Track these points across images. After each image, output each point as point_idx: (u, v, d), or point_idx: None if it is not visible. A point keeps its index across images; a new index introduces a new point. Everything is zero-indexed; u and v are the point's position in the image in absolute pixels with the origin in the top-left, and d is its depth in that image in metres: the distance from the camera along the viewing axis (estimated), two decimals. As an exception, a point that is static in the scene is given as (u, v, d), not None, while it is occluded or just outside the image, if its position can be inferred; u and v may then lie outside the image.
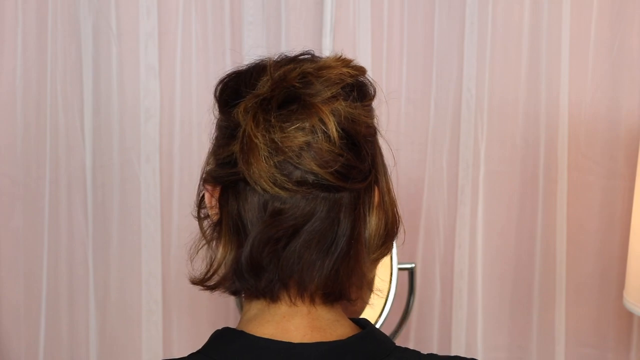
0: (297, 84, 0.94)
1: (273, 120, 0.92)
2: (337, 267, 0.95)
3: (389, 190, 1.01)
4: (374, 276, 1.08)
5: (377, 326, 1.70)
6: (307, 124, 0.92)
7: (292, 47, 1.78)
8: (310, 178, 0.92)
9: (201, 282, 1.00)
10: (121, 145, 1.83)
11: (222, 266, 0.97)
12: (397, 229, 1.02)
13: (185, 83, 1.83)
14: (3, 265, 1.86)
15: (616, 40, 1.84)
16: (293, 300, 0.96)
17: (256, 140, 0.92)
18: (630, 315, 1.87)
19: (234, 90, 0.98)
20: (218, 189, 0.98)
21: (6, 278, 1.87)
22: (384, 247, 1.00)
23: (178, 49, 1.82)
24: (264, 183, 0.92)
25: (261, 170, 0.92)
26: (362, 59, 1.79)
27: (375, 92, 0.99)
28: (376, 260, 1.01)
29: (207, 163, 1.00)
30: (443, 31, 1.84)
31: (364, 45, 1.80)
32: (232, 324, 1.00)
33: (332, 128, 0.92)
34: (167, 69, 1.82)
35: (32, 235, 1.85)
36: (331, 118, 0.92)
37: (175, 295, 1.87)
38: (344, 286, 0.97)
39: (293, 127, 0.92)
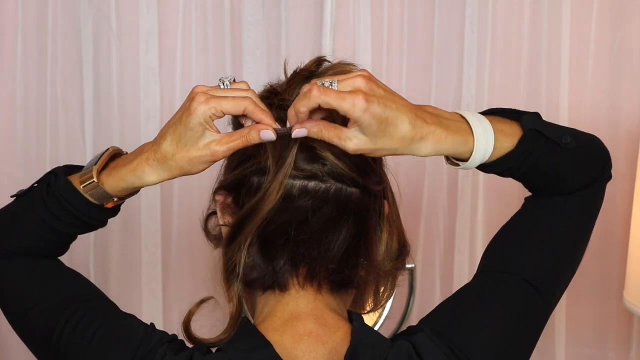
0: (314, 69, 0.97)
1: (288, 106, 0.93)
2: (348, 252, 0.96)
3: (396, 208, 1.03)
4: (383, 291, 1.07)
5: (378, 326, 1.70)
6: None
7: (292, 47, 1.79)
8: (327, 168, 0.94)
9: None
10: (121, 145, 1.81)
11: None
12: (407, 245, 1.03)
13: (185, 83, 1.83)
14: (3, 265, 1.86)
15: (616, 40, 1.83)
16: (301, 284, 0.97)
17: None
18: (630, 315, 1.87)
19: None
20: (230, 196, 0.99)
21: (6, 278, 1.87)
22: (398, 261, 1.02)
23: (178, 49, 1.82)
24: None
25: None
26: (362, 59, 1.79)
27: None
28: (391, 272, 1.02)
29: (217, 179, 1.02)
30: (443, 31, 1.84)
31: (364, 45, 1.80)
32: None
33: None
34: (167, 69, 1.82)
35: (32, 235, 1.84)
36: None
37: (175, 296, 1.87)
38: (352, 272, 0.98)
39: None
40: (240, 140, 0.92)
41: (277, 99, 0.98)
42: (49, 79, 1.81)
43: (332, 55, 1.76)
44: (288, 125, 0.91)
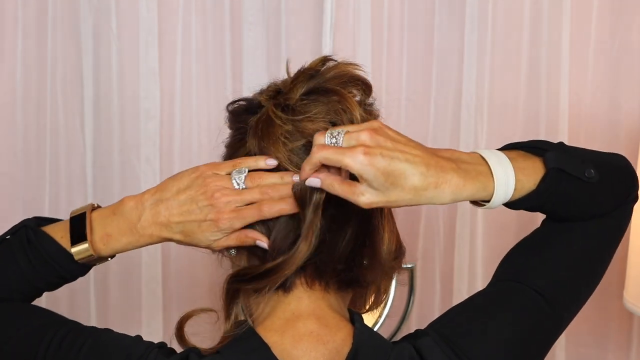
0: (319, 68, 0.97)
1: (294, 105, 0.95)
2: (354, 252, 0.97)
3: (392, 210, 1.03)
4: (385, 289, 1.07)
5: (378, 325, 1.70)
6: (330, 108, 0.94)
7: (292, 47, 1.79)
8: None
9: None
10: (121, 145, 1.83)
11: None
12: (402, 245, 1.03)
13: (185, 83, 1.83)
14: (3, 265, 1.86)
15: (616, 40, 1.83)
16: (309, 284, 0.97)
17: (277, 121, 0.95)
18: (630, 315, 1.87)
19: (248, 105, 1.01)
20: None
21: (6, 278, 1.87)
22: (397, 260, 1.02)
23: (178, 49, 1.82)
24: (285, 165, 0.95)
25: (279, 153, 0.95)
26: (362, 59, 1.79)
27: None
28: (391, 271, 1.02)
29: None
30: (443, 31, 1.84)
31: (364, 45, 1.80)
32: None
33: (357, 114, 0.94)
34: (167, 69, 1.82)
35: (32, 235, 1.84)
36: (355, 105, 0.94)
37: (175, 297, 1.86)
38: (359, 271, 0.98)
39: (314, 112, 0.94)
40: (236, 242, 0.98)
41: (282, 98, 0.98)
42: (49, 79, 1.81)
43: (332, 55, 1.76)
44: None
